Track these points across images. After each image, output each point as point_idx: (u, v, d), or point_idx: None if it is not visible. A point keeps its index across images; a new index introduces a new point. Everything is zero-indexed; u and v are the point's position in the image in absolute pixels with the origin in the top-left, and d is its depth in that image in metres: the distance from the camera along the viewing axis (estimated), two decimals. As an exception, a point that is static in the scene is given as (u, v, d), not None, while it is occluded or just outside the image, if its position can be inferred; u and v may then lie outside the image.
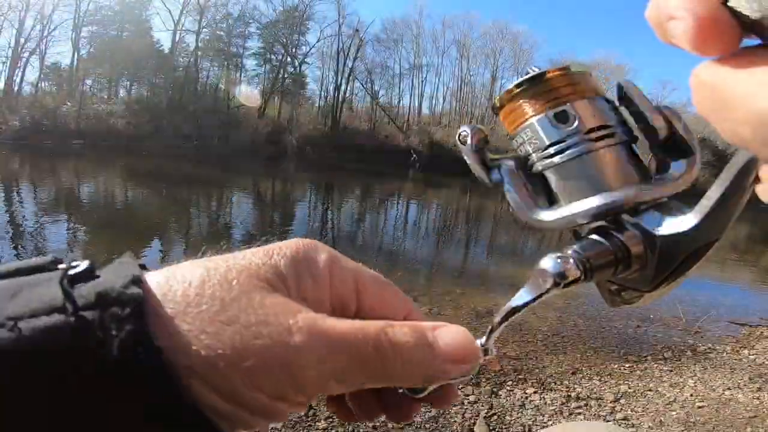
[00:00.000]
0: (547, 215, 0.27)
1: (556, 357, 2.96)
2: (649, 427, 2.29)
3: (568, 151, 0.26)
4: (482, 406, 2.32)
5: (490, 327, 0.25)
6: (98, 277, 0.20)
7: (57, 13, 21.73)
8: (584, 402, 2.46)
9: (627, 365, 2.96)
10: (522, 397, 2.43)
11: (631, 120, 0.27)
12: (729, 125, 0.16)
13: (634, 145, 0.27)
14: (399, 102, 30.47)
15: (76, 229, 6.11)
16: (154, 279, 0.20)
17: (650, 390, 2.64)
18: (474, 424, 2.16)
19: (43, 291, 0.18)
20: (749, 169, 0.22)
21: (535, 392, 2.49)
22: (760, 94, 0.15)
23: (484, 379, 2.57)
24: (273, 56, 27.82)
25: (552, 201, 0.28)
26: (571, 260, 0.24)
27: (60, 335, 0.17)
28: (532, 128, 0.27)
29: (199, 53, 25.78)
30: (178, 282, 0.20)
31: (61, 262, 0.20)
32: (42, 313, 0.17)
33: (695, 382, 2.78)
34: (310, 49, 28.15)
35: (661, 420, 2.35)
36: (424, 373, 0.23)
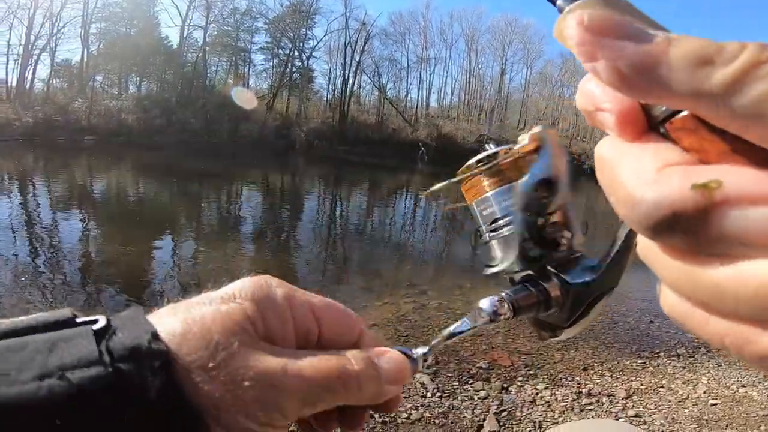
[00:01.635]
0: (490, 270, 0.34)
1: (567, 353, 2.94)
2: (662, 424, 2.27)
3: (507, 227, 0.32)
4: (492, 401, 2.32)
5: (431, 344, 0.31)
6: (114, 330, 0.24)
7: (66, 10, 21.86)
8: (596, 398, 2.45)
9: (639, 361, 2.94)
10: (532, 393, 2.43)
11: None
12: (613, 202, 0.18)
13: None
14: (407, 95, 30.32)
15: (89, 223, 6.20)
16: (164, 334, 0.24)
17: (663, 387, 2.62)
18: (484, 419, 2.16)
19: (79, 346, 0.22)
20: (632, 236, 0.28)
21: (545, 388, 2.49)
22: (631, 182, 0.17)
23: (494, 375, 2.56)
24: (281, 51, 27.80)
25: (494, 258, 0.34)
26: (504, 303, 0.31)
27: (101, 382, 0.21)
28: (478, 205, 0.33)
29: (207, 49, 25.85)
30: (180, 336, 0.24)
31: (77, 317, 0.25)
32: (83, 366, 0.21)
33: (709, 379, 2.75)
34: (318, 43, 28.04)
35: (673, 417, 2.33)
36: (373, 393, 0.29)
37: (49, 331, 0.23)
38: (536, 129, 0.31)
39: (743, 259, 0.15)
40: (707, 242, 0.15)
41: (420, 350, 0.31)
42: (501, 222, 0.32)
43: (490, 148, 0.32)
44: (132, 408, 0.21)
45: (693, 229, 0.15)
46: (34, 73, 21.37)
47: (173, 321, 0.25)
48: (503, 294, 0.31)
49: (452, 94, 31.67)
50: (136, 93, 23.79)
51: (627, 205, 0.17)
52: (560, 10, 0.22)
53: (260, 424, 0.25)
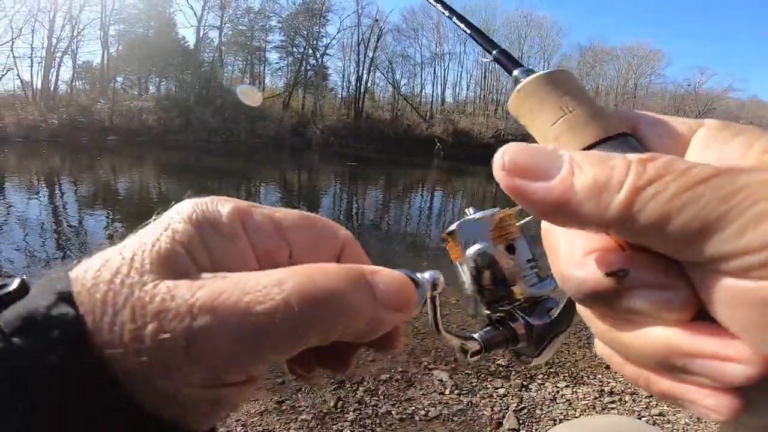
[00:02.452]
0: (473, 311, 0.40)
1: (590, 350, 2.90)
2: (686, 423, 2.22)
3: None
4: (512, 399, 2.30)
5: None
6: (20, 296, 0.19)
7: (84, 12, 22.36)
8: (618, 397, 2.41)
9: (663, 359, 2.87)
10: (553, 391, 2.40)
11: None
12: (553, 270, 0.23)
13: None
14: (421, 90, 30.17)
15: (113, 221, 6.36)
16: (76, 290, 0.20)
17: (688, 385, 2.56)
18: (503, 417, 2.15)
19: None
20: None
21: (567, 386, 2.46)
22: (563, 260, 0.22)
23: (514, 372, 2.55)
24: (295, 49, 27.96)
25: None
26: (477, 342, 0.35)
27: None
28: (460, 264, 0.37)
29: (223, 48, 26.16)
30: (90, 287, 0.20)
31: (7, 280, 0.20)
32: None
33: (736, 378, 2.68)
34: (331, 40, 28.11)
35: (698, 416, 2.27)
36: (365, 321, 0.22)
37: None
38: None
39: (642, 326, 0.20)
40: (618, 312, 0.20)
41: (428, 274, 0.28)
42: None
43: (471, 214, 0.36)
44: (24, 388, 0.17)
45: (607, 302, 0.20)
46: (57, 75, 21.95)
47: (90, 267, 0.20)
48: (476, 335, 0.36)
49: (468, 89, 31.44)
50: (155, 93, 24.25)
51: (561, 278, 0.22)
52: (515, 82, 0.27)
53: (198, 384, 0.19)
